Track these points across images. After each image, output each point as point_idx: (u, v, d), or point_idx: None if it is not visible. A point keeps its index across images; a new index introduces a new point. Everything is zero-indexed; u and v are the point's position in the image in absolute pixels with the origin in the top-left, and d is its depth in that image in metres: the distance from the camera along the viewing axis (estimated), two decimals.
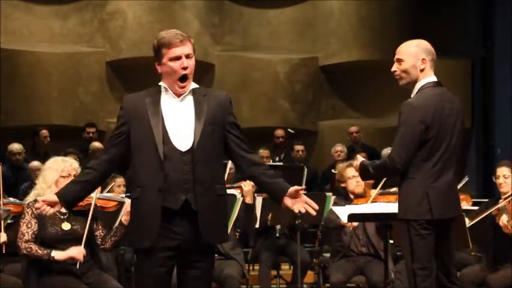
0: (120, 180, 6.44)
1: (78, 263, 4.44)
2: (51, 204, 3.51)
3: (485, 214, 5.44)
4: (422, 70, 4.07)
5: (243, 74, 10.75)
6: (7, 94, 9.92)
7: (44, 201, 3.53)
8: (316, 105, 11.04)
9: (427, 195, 3.98)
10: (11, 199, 5.34)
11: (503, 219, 5.30)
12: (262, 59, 10.85)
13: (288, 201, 3.47)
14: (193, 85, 3.53)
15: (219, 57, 10.40)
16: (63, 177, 4.65)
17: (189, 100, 3.50)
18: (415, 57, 4.07)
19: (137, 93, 3.56)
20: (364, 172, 4.21)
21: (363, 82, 10.45)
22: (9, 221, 5.06)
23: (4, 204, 5.09)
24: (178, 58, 3.44)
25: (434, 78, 4.11)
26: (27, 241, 4.51)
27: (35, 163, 7.44)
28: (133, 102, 3.52)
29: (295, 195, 3.47)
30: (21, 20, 10.42)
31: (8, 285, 5.15)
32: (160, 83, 3.53)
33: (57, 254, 4.46)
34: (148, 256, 3.41)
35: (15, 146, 8.58)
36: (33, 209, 4.55)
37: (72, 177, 4.64)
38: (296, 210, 3.51)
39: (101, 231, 4.73)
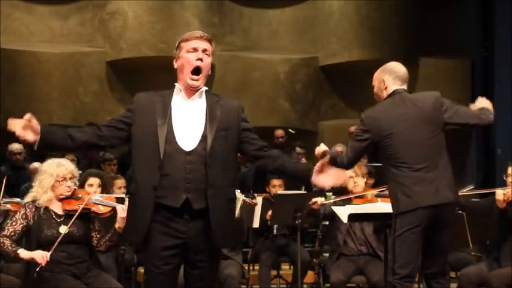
0: (120, 182, 6.42)
1: (39, 267, 4.38)
2: (31, 129, 3.40)
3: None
4: (385, 88, 4.50)
5: (243, 74, 10.76)
6: (7, 94, 9.92)
7: (31, 120, 3.40)
8: (316, 105, 11.04)
9: (395, 193, 4.31)
10: (15, 199, 5.36)
11: (500, 193, 5.43)
12: (262, 59, 10.85)
13: (317, 180, 3.47)
14: (205, 88, 3.55)
15: (219, 57, 10.39)
16: (59, 181, 4.65)
17: (200, 102, 3.52)
18: (378, 80, 4.54)
19: (150, 92, 3.59)
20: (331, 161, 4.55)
21: (363, 82, 10.39)
22: (8, 221, 5.06)
23: (5, 203, 5.12)
24: (194, 50, 3.49)
25: (392, 91, 4.47)
26: (3, 236, 4.52)
27: (35, 164, 7.43)
28: (144, 100, 3.54)
29: (321, 171, 3.46)
30: (21, 20, 10.42)
31: (8, 285, 5.15)
32: (176, 84, 3.55)
33: (22, 252, 4.46)
34: (153, 254, 3.41)
35: (16, 146, 8.59)
36: (26, 210, 4.59)
37: (68, 181, 4.65)
38: (328, 186, 3.50)
39: (97, 233, 4.74)
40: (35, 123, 3.42)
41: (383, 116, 4.40)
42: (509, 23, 9.75)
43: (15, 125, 3.42)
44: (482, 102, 4.56)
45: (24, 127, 3.41)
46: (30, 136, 3.42)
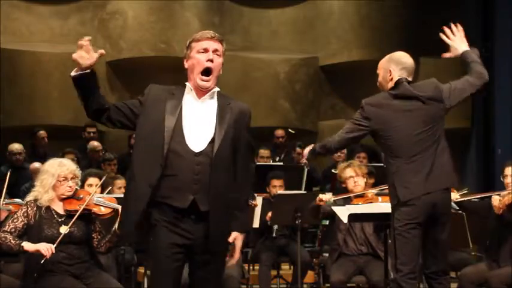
0: (120, 182, 6.43)
1: (43, 259, 4.40)
2: (91, 62, 3.36)
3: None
4: (391, 80, 4.42)
5: (243, 74, 10.75)
6: (7, 94, 9.92)
7: (97, 59, 3.37)
8: (316, 105, 11.04)
9: (394, 184, 4.32)
10: (16, 200, 5.37)
11: (496, 199, 5.43)
12: (262, 59, 10.85)
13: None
14: (217, 89, 3.54)
15: None
16: (60, 181, 4.65)
17: (212, 104, 3.52)
18: (384, 69, 4.49)
19: (163, 86, 3.56)
20: (310, 154, 4.69)
21: (363, 82, 10.39)
22: (9, 218, 5.07)
23: (6, 203, 5.13)
24: (205, 51, 3.47)
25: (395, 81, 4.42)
26: (4, 231, 4.53)
27: (36, 164, 7.44)
28: (156, 93, 3.51)
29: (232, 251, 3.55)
30: (21, 20, 10.41)
31: (7, 285, 5.14)
32: (187, 83, 3.54)
33: (27, 245, 4.46)
34: (159, 251, 3.40)
35: (16, 146, 8.58)
36: (28, 209, 4.61)
37: (70, 180, 4.66)
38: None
39: (98, 234, 4.74)
40: (96, 61, 3.38)
41: (384, 106, 4.39)
42: (509, 23, 9.75)
43: (88, 50, 3.39)
44: (460, 46, 4.58)
45: (90, 57, 3.37)
46: (86, 64, 3.36)
